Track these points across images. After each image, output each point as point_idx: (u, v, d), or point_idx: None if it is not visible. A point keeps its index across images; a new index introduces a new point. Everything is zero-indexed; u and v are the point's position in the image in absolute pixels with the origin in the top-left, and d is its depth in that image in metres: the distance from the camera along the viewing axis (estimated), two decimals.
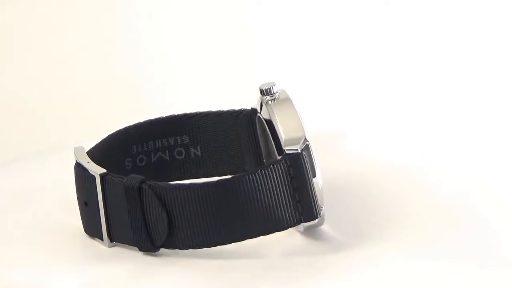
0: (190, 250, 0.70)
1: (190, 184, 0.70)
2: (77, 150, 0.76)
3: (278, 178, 0.69)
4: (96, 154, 0.77)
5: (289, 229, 0.70)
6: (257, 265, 0.69)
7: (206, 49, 1.31)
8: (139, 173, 0.72)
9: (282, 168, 0.68)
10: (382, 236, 0.71)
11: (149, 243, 0.71)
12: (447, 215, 0.75)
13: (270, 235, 0.69)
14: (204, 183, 0.70)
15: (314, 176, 0.69)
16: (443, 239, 0.71)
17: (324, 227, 0.72)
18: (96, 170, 0.72)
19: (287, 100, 0.72)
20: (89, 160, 0.74)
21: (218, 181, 0.70)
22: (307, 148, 0.69)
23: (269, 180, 0.69)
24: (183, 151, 0.82)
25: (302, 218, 0.69)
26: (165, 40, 1.32)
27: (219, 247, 0.70)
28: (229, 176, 0.71)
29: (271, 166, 0.69)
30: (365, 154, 0.89)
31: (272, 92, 0.71)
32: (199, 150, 0.82)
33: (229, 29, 1.31)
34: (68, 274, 0.70)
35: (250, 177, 0.69)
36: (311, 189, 0.69)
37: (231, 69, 1.29)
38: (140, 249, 0.71)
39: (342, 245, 0.71)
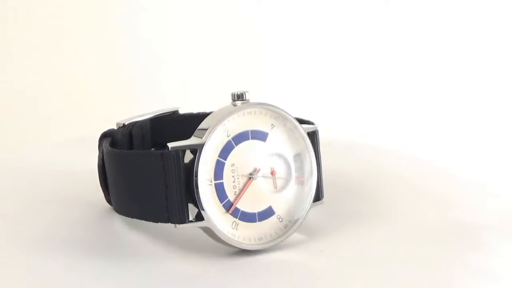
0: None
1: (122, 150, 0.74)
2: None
3: (151, 169, 0.68)
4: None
5: None
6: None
7: (205, 50, 1.34)
8: None
9: (155, 160, 0.68)
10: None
11: (108, 199, 0.77)
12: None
13: None
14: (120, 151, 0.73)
15: (195, 186, 0.67)
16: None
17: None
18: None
19: (233, 110, 0.70)
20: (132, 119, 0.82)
21: (119, 151, 0.73)
22: (196, 153, 0.67)
23: (142, 166, 0.69)
24: None
25: (169, 218, 0.68)
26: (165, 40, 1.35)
27: None
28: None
29: (145, 153, 0.70)
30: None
31: (244, 99, 0.70)
32: None
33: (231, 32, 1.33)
34: None
35: (128, 155, 0.71)
36: (181, 192, 0.67)
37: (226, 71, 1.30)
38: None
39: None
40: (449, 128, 1.24)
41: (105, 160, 0.75)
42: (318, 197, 0.74)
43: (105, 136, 0.78)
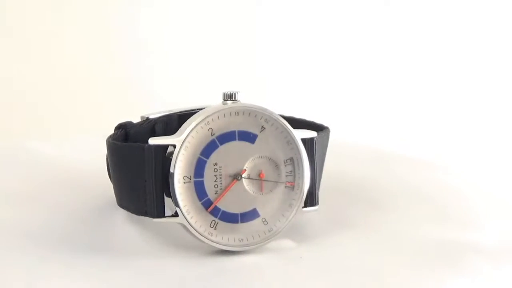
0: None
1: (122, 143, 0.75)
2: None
3: (134, 161, 0.69)
4: None
5: None
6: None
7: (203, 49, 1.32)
8: None
9: (137, 153, 0.69)
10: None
11: None
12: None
13: None
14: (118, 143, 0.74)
15: (170, 181, 0.67)
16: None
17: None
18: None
19: (218, 109, 0.70)
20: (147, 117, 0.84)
21: (112, 142, 0.74)
22: (175, 151, 0.68)
23: (127, 158, 0.70)
24: None
25: (146, 211, 0.69)
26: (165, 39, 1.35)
27: None
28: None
29: (129, 146, 0.71)
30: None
31: (234, 99, 0.70)
32: None
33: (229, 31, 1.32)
34: None
35: (116, 147, 0.72)
36: (157, 186, 0.68)
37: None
38: None
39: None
40: (458, 133, 1.20)
41: (109, 152, 0.77)
42: (312, 203, 0.73)
43: (119, 128, 0.79)
